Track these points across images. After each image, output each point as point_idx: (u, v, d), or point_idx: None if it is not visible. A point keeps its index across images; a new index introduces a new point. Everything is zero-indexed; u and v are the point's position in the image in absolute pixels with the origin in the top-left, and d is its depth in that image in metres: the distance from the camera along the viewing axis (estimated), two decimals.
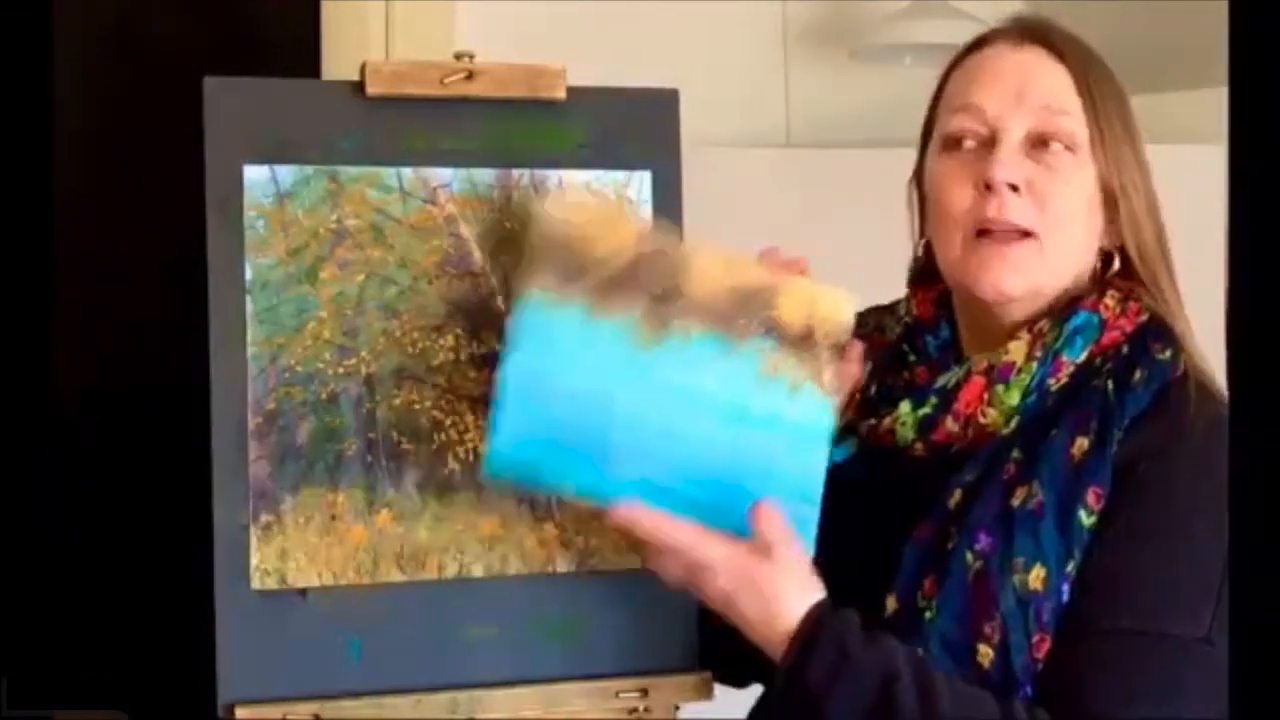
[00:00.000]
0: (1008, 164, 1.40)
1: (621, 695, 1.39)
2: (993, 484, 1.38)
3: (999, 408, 1.41)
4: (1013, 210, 1.41)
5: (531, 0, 3.10)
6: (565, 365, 1.31)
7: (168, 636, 2.98)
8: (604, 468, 1.31)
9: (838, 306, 1.37)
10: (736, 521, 1.33)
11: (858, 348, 1.40)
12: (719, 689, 1.46)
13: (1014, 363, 1.41)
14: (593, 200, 1.37)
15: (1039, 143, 1.42)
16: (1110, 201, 1.43)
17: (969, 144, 1.44)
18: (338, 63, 3.06)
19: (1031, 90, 1.42)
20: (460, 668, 1.38)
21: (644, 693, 1.39)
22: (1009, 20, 1.49)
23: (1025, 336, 1.42)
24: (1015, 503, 1.36)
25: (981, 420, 1.41)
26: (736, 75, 3.33)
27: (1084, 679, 1.32)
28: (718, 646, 1.43)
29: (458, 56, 1.40)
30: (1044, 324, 1.42)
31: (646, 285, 1.33)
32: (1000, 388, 1.41)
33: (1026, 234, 1.41)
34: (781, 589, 1.32)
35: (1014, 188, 1.40)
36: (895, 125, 3.27)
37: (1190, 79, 3.06)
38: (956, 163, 1.44)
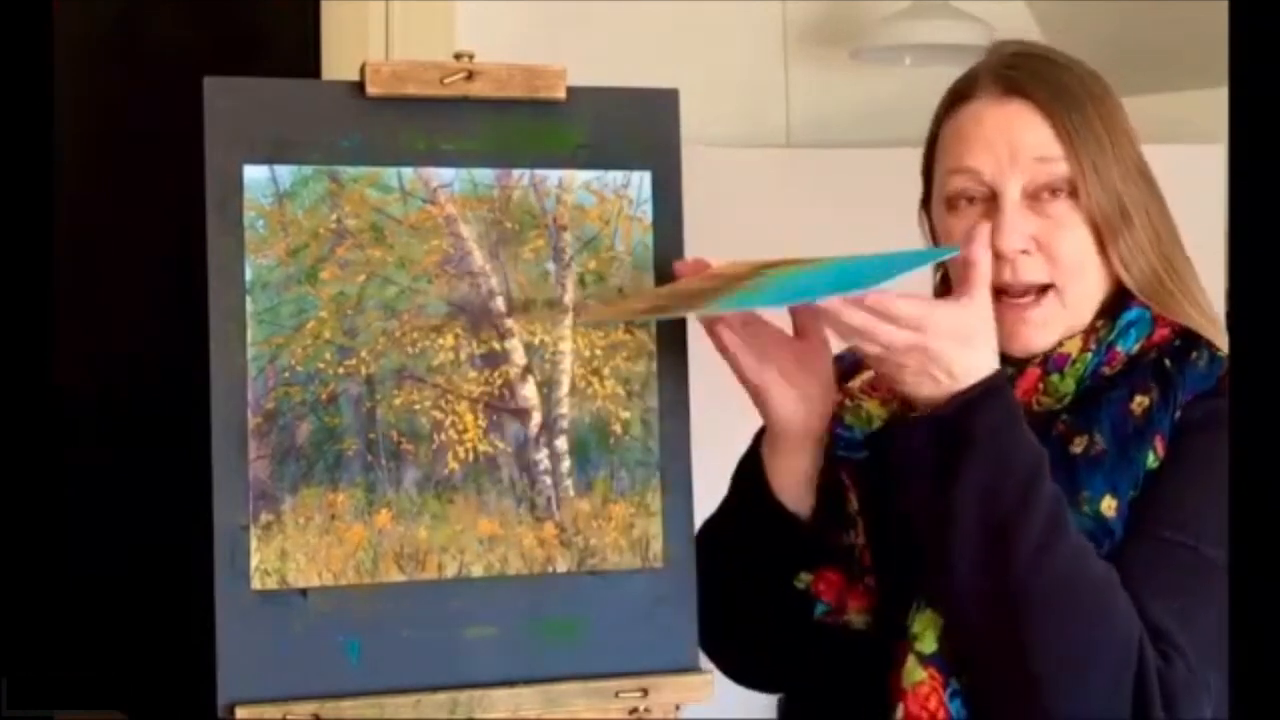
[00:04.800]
0: (1012, 230, 1.45)
1: (621, 695, 1.39)
2: (1046, 443, 1.41)
3: (1054, 395, 1.46)
4: (1026, 271, 1.46)
5: (531, 0, 3.10)
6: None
7: (168, 636, 2.98)
8: None
9: None
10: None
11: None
12: (719, 689, 1.46)
13: (1069, 354, 1.47)
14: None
15: (1037, 195, 1.46)
16: (1102, 237, 1.47)
17: (972, 204, 1.48)
18: (338, 63, 3.06)
19: (1022, 148, 1.46)
20: (460, 668, 1.37)
21: (644, 693, 1.39)
22: (991, 57, 1.52)
23: (1079, 333, 1.47)
24: (1076, 450, 1.41)
25: (1035, 408, 1.45)
26: (736, 75, 3.33)
27: (1118, 566, 1.36)
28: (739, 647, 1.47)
29: (458, 56, 1.40)
30: (1098, 320, 1.48)
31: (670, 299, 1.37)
32: (1055, 376, 1.46)
33: (1045, 287, 1.46)
34: (987, 337, 1.37)
35: (1024, 251, 1.45)
36: (895, 125, 3.29)
37: (1191, 79, 3.06)
38: (963, 223, 1.48)
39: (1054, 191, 1.46)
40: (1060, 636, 1.32)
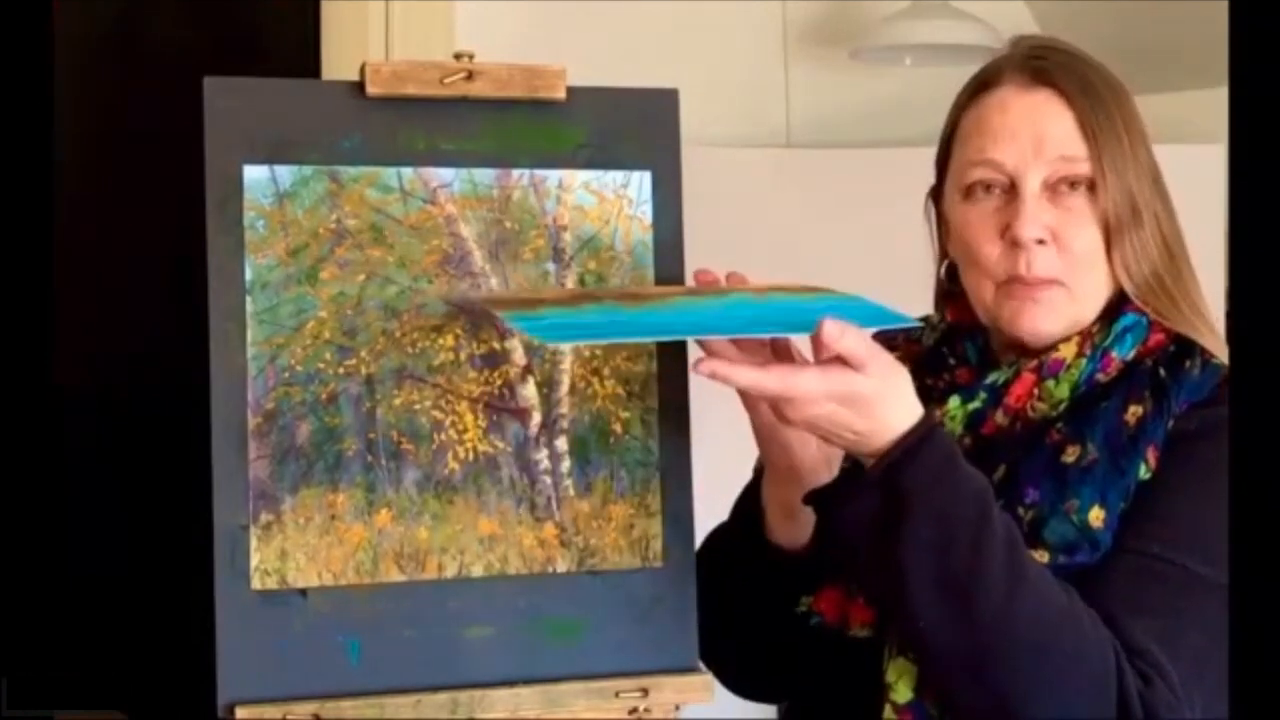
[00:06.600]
0: (1031, 219, 1.45)
1: (621, 695, 1.39)
2: (1038, 451, 1.41)
3: (1048, 401, 1.45)
4: (1040, 264, 1.45)
5: (531, 0, 3.10)
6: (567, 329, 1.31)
7: (168, 636, 2.99)
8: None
9: None
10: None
11: None
12: (719, 689, 1.46)
13: (1064, 359, 1.46)
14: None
15: (1056, 187, 1.46)
16: (1110, 237, 1.46)
17: (990, 193, 1.48)
18: (338, 63, 3.07)
19: (1046, 141, 1.46)
20: (460, 668, 1.37)
21: (644, 693, 1.39)
22: (1016, 49, 1.52)
23: (1075, 337, 1.46)
24: (1067, 460, 1.40)
25: (1030, 414, 1.45)
26: (736, 75, 3.33)
27: (1104, 583, 1.36)
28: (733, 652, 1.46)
29: (458, 56, 1.40)
30: (1093, 325, 1.47)
31: (604, 296, 1.35)
32: (1050, 382, 1.45)
33: (1055, 280, 1.46)
34: (889, 399, 1.30)
35: (1040, 240, 1.45)
36: (895, 125, 3.29)
37: (1191, 79, 3.06)
38: (979, 212, 1.48)
39: (1073, 185, 1.46)
40: (1037, 676, 1.31)
